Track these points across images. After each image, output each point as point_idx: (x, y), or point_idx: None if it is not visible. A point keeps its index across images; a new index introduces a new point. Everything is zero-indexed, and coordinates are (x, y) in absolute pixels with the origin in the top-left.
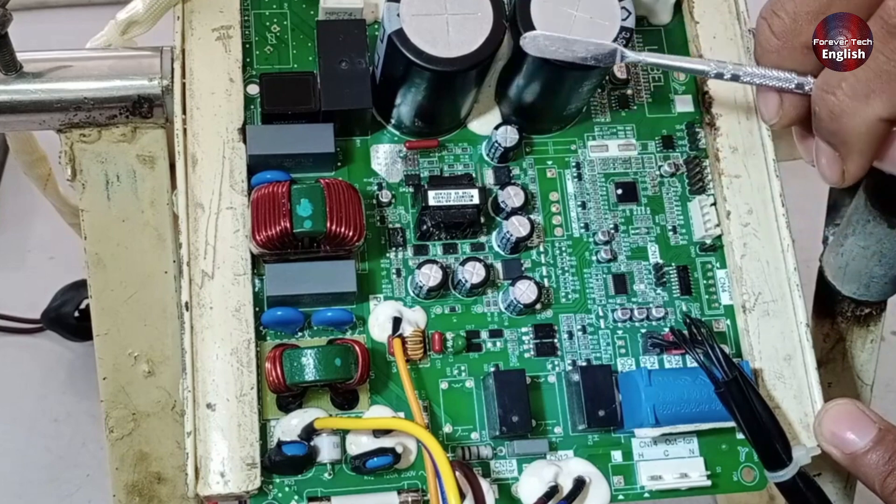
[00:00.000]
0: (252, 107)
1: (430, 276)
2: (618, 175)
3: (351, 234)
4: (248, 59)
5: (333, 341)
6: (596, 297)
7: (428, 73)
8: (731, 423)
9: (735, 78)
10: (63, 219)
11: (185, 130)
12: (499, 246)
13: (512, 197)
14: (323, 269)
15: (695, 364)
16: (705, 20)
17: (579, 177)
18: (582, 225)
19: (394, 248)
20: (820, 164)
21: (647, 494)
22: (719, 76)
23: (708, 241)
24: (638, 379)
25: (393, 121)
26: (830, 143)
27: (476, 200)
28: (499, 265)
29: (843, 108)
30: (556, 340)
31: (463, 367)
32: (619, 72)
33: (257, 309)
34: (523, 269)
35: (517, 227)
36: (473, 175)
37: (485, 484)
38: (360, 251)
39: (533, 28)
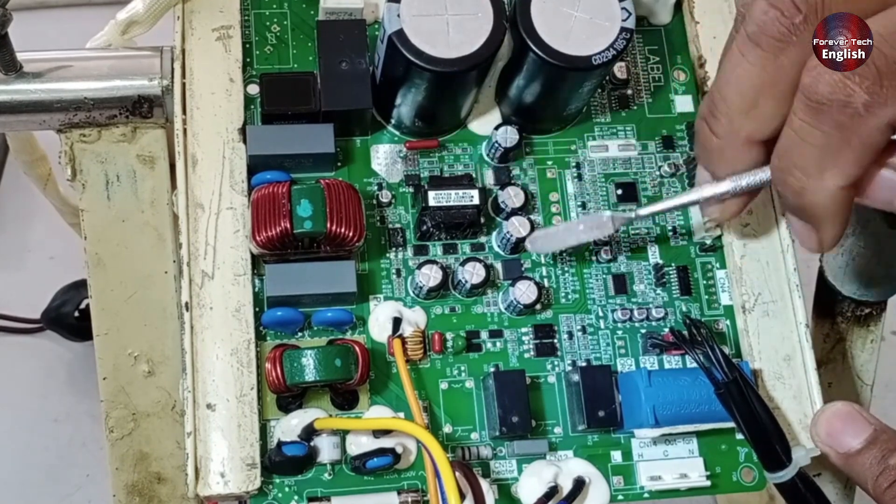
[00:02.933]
0: (252, 107)
1: (430, 276)
2: (618, 175)
3: (351, 234)
4: (248, 59)
5: (333, 341)
6: (596, 297)
7: (428, 74)
8: (731, 424)
9: (724, 195)
10: (63, 219)
11: (185, 130)
12: (499, 246)
13: (512, 197)
14: (323, 269)
15: (694, 364)
16: (705, 20)
17: (579, 177)
18: None
19: (394, 249)
20: (801, 236)
21: (646, 495)
22: (708, 202)
23: (708, 242)
24: (638, 379)
25: (393, 121)
26: (800, 218)
27: (476, 201)
28: (499, 265)
29: (802, 186)
30: (555, 341)
31: (463, 368)
32: (619, 72)
33: (257, 309)
34: (523, 269)
35: (517, 227)
36: (473, 175)
37: (485, 484)
38: (360, 251)
39: (533, 28)
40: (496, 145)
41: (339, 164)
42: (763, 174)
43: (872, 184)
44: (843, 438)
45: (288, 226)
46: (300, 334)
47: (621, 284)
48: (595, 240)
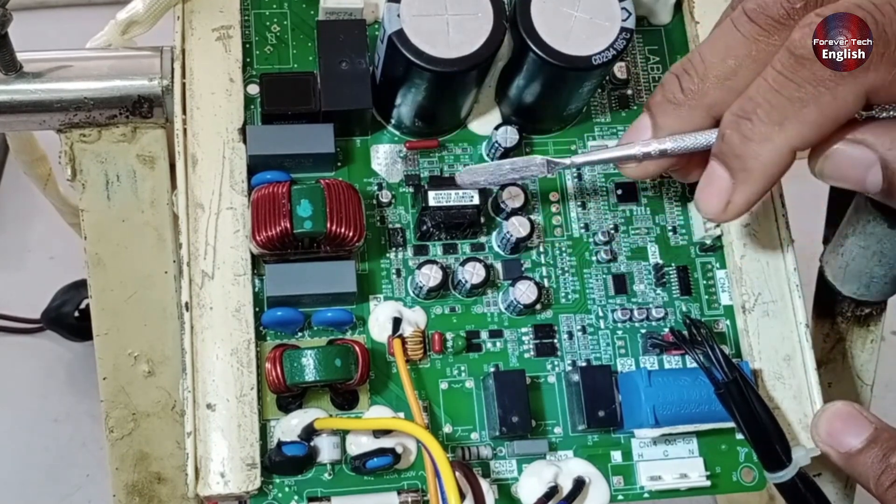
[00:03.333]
0: (252, 107)
1: (430, 276)
2: (617, 175)
3: (351, 234)
4: (248, 59)
5: (333, 341)
6: (596, 297)
7: (428, 74)
8: (731, 424)
9: (663, 153)
10: (63, 219)
11: (185, 130)
12: (499, 246)
13: (512, 197)
14: (323, 269)
15: (694, 364)
16: (705, 20)
17: (579, 177)
18: (582, 225)
19: (394, 249)
20: (705, 192)
21: (646, 495)
22: (647, 156)
23: (708, 242)
24: (638, 379)
25: (393, 121)
26: (729, 168)
27: (476, 201)
28: (499, 265)
29: (756, 132)
30: (555, 341)
31: (463, 368)
32: (619, 72)
33: (257, 309)
34: (523, 269)
35: (517, 227)
36: None
37: (485, 484)
38: (360, 251)
39: (533, 28)
40: (496, 145)
41: (339, 164)
42: (704, 138)
43: (844, 162)
44: (844, 438)
45: (288, 226)
46: (300, 334)
47: (621, 284)
48: (523, 181)
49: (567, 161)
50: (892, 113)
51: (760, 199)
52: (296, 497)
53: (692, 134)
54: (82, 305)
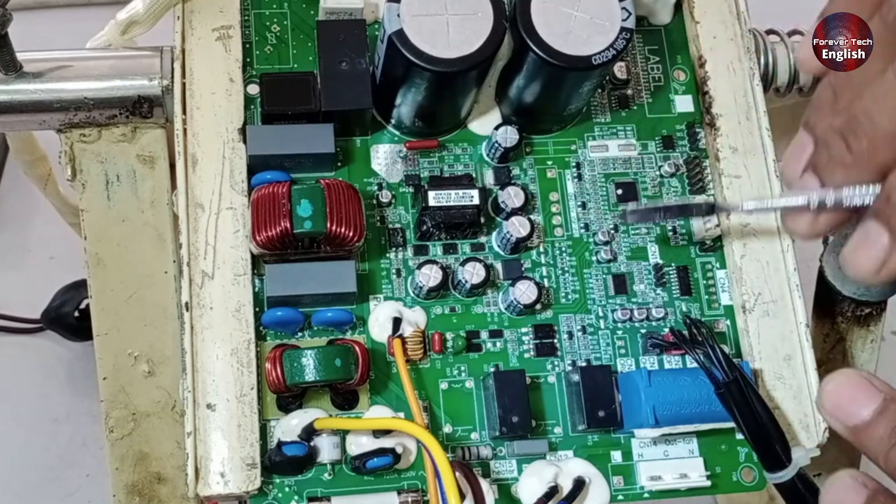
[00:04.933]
0: (252, 107)
1: (430, 276)
2: (618, 175)
3: (351, 234)
4: (248, 59)
5: (333, 342)
6: (596, 297)
7: (428, 74)
8: (731, 424)
9: (838, 204)
10: (63, 219)
11: (185, 130)
12: (499, 246)
13: (512, 197)
14: (323, 269)
15: (694, 364)
16: (706, 20)
17: (579, 177)
18: (582, 225)
19: (394, 249)
20: (859, 253)
21: (646, 495)
22: (822, 206)
23: (708, 242)
24: (638, 379)
25: (393, 121)
26: (890, 229)
27: (476, 201)
28: (499, 265)
29: None
30: (555, 341)
31: (463, 368)
32: (619, 72)
33: (257, 309)
34: (523, 269)
35: (517, 227)
36: (473, 175)
37: (485, 484)
38: (360, 251)
39: (533, 28)
40: (496, 145)
41: (339, 164)
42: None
43: None
44: (851, 409)
45: (288, 226)
46: (300, 334)
47: (621, 284)
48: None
49: (736, 207)
50: None
51: None
52: (296, 497)
53: (854, 187)
54: (82, 305)
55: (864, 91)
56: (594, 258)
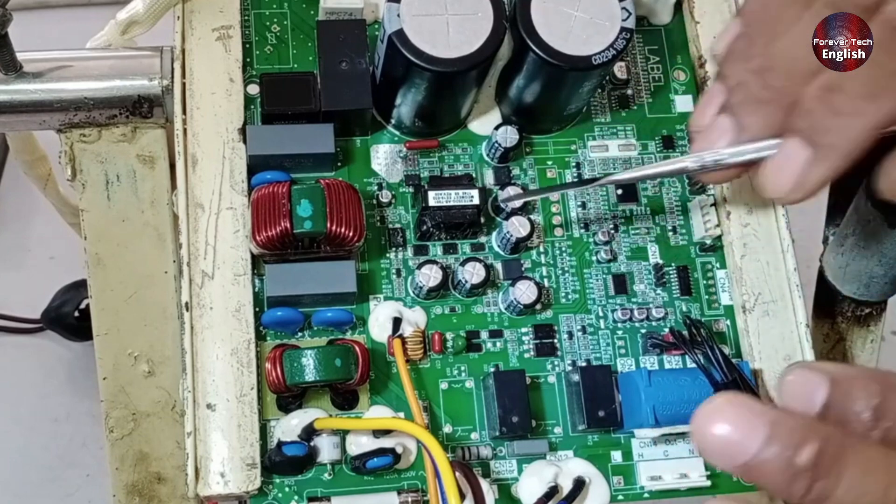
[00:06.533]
0: (252, 107)
1: (430, 276)
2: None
3: (351, 234)
4: (248, 59)
5: (333, 341)
6: (596, 297)
7: (428, 74)
8: None
9: (716, 164)
10: (63, 219)
11: (185, 130)
12: (499, 246)
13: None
14: (323, 269)
15: (694, 365)
16: (706, 20)
17: (579, 177)
18: (582, 225)
19: (394, 249)
20: (776, 170)
21: (646, 495)
22: (702, 168)
23: (708, 242)
24: (638, 379)
25: (393, 121)
26: (812, 143)
27: (476, 201)
28: (499, 265)
29: (846, 105)
30: (555, 341)
31: (463, 368)
32: (619, 72)
33: (257, 309)
34: (523, 269)
35: (517, 227)
36: (473, 175)
37: (485, 484)
38: (360, 251)
39: (533, 28)
40: (496, 145)
41: (339, 164)
42: (765, 146)
43: None
44: (735, 448)
45: (288, 226)
46: (300, 334)
47: (621, 284)
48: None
49: (625, 176)
50: None
51: (835, 178)
52: (296, 497)
53: (749, 145)
54: (82, 305)
55: (780, 35)
56: (594, 258)
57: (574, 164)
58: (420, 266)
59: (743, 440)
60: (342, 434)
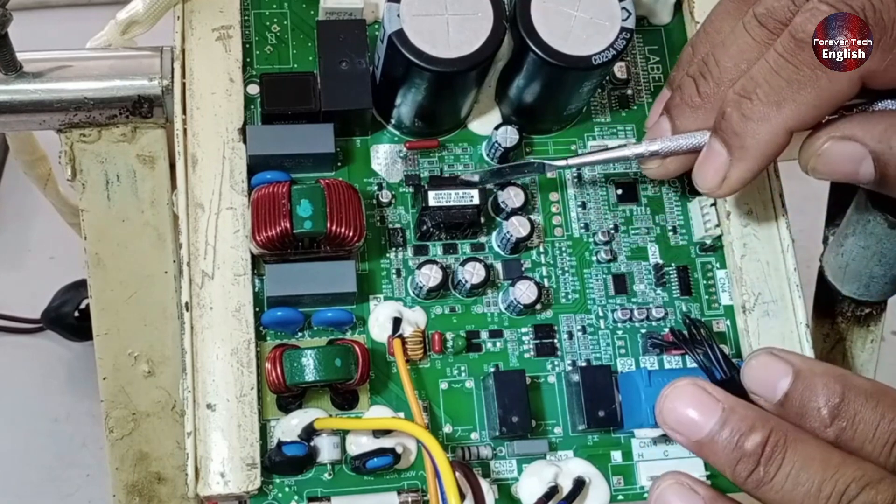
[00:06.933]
0: (252, 107)
1: (430, 276)
2: (618, 175)
3: (351, 234)
4: (248, 59)
5: (333, 341)
6: (596, 297)
7: (428, 74)
8: None
9: (655, 154)
10: (63, 219)
11: (185, 130)
12: (499, 246)
13: (512, 197)
14: (323, 269)
15: (694, 364)
16: None
17: (579, 177)
18: (582, 225)
19: (394, 249)
20: (703, 168)
21: (646, 495)
22: (640, 157)
23: (708, 242)
24: (638, 379)
25: (393, 121)
26: (728, 145)
27: (476, 201)
28: (499, 265)
29: (755, 111)
30: (555, 341)
31: (463, 368)
32: (619, 72)
33: (257, 309)
34: (523, 269)
35: (517, 227)
36: None
37: (485, 484)
38: (360, 251)
39: (533, 28)
40: (496, 145)
41: (339, 164)
42: (697, 139)
43: (835, 158)
44: (693, 422)
45: (288, 226)
46: (300, 334)
47: (621, 284)
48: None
49: (562, 163)
50: (880, 106)
51: (755, 177)
52: (296, 497)
53: (686, 135)
54: (82, 305)
55: (716, 45)
56: (594, 258)
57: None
58: (420, 266)
59: (700, 419)
60: (342, 434)
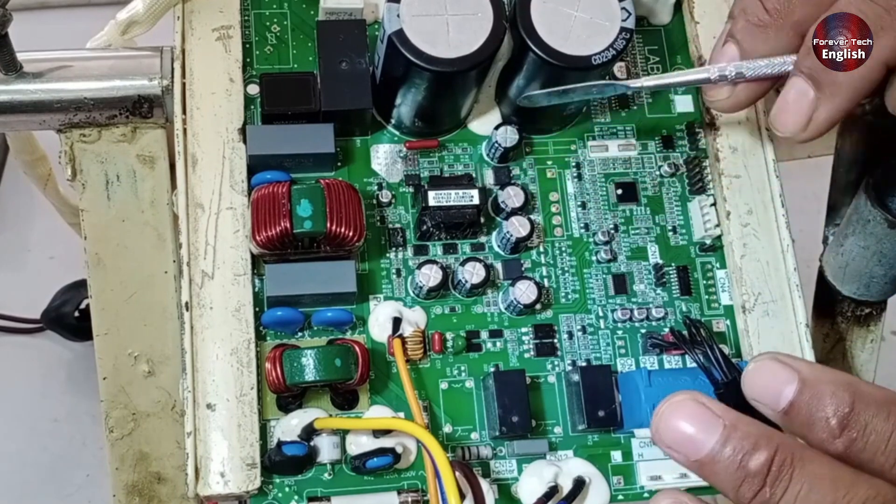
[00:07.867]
0: (252, 107)
1: (430, 276)
2: (618, 175)
3: (351, 234)
4: (248, 59)
5: (333, 341)
6: (596, 297)
7: (428, 74)
8: None
9: (740, 76)
10: (63, 219)
11: (185, 130)
12: (499, 246)
13: (512, 197)
14: (323, 269)
15: (694, 364)
16: (705, 20)
17: (579, 177)
18: (582, 225)
19: (394, 249)
20: (785, 109)
21: (646, 494)
22: (723, 79)
23: (708, 242)
24: (638, 379)
25: (393, 121)
26: (816, 83)
27: (476, 201)
28: (499, 265)
29: (850, 43)
30: (555, 340)
31: (463, 368)
32: (619, 72)
33: (257, 309)
34: (523, 269)
35: (517, 227)
36: (473, 175)
37: (485, 484)
38: (360, 251)
39: (533, 28)
40: (496, 145)
41: (339, 164)
42: (782, 61)
43: None
44: (691, 444)
45: (288, 226)
46: (300, 334)
47: (621, 284)
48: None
49: (637, 84)
50: None
51: (843, 117)
52: (296, 497)
53: (766, 59)
54: (82, 305)
55: None
56: (594, 258)
57: (574, 164)
58: (420, 266)
59: (700, 437)
60: (342, 434)
